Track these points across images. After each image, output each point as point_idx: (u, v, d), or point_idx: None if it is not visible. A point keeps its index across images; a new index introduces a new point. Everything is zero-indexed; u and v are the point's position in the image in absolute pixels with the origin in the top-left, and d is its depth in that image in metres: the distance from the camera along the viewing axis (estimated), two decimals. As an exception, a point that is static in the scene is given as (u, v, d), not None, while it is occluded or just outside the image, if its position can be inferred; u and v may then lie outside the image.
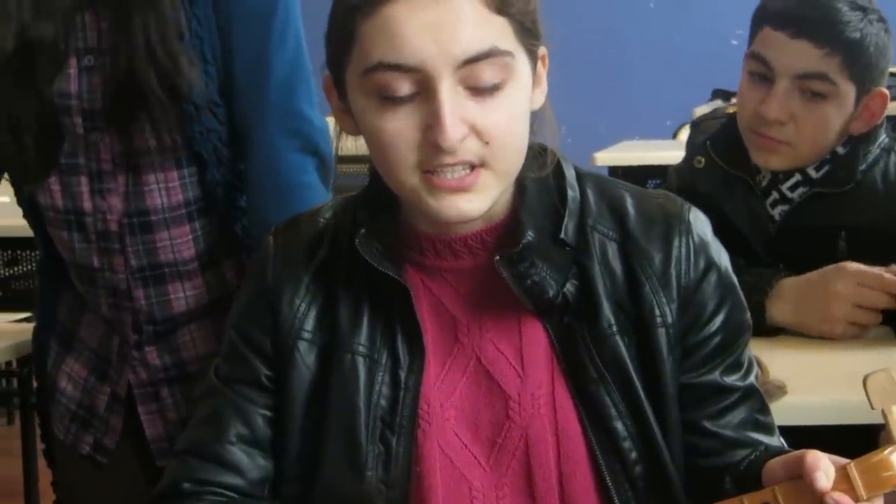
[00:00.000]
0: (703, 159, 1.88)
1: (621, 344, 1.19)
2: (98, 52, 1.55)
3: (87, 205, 1.60)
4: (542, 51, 1.18)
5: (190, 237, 1.61)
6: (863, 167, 1.80)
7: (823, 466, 1.01)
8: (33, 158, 1.59)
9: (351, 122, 1.18)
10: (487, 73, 1.11)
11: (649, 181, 3.33)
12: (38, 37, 1.54)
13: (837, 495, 1.01)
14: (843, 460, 1.04)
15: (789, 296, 1.72)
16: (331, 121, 1.29)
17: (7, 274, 3.20)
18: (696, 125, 2.09)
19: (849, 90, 1.75)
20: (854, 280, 1.68)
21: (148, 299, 1.62)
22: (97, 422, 1.70)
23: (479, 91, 1.11)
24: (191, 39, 1.54)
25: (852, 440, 1.18)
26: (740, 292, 1.24)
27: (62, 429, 1.73)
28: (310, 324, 1.23)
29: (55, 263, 1.71)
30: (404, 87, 1.10)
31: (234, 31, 1.56)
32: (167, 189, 1.59)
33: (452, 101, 1.09)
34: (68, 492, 1.81)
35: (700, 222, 1.23)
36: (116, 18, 1.53)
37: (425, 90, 1.10)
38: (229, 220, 1.63)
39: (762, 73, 1.78)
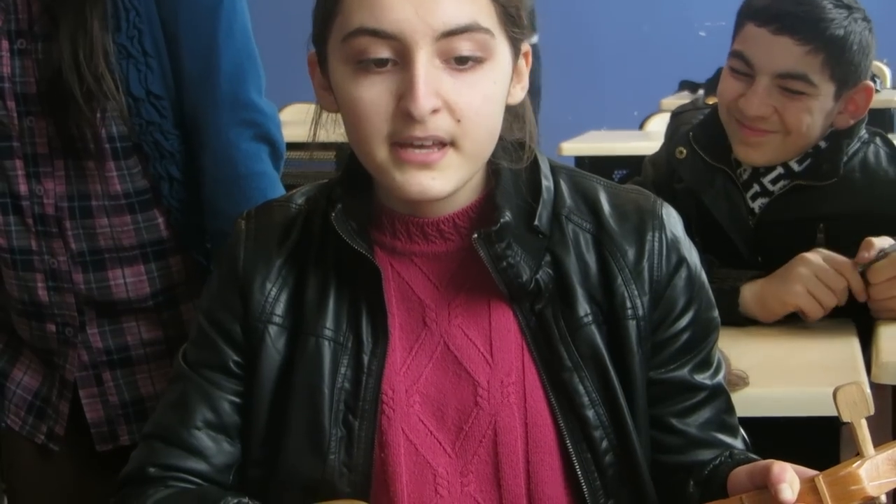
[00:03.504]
0: (684, 150, 1.88)
1: (595, 333, 1.20)
2: (30, 35, 1.54)
3: (22, 188, 1.59)
4: (526, 47, 1.19)
5: (131, 227, 1.61)
6: (844, 160, 1.81)
7: (789, 479, 1.02)
8: None
9: (331, 98, 1.18)
10: (465, 48, 1.11)
11: (616, 171, 3.30)
12: None
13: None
14: (809, 472, 1.05)
15: (762, 284, 1.73)
16: (301, 108, 1.30)
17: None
18: (677, 115, 2.08)
19: (829, 89, 1.76)
20: (824, 255, 1.71)
21: (87, 283, 1.62)
22: (51, 410, 1.69)
23: (456, 66, 1.11)
24: (128, 31, 1.53)
25: (812, 432, 1.21)
26: (710, 291, 1.25)
27: (17, 420, 1.72)
28: (280, 308, 1.23)
29: None
30: (382, 53, 1.10)
31: (179, 22, 1.55)
32: (105, 178, 1.58)
33: (428, 72, 1.10)
34: (17, 479, 1.81)
35: (672, 218, 1.24)
36: (47, 5, 1.52)
37: (402, 59, 1.10)
38: (179, 216, 1.62)
39: (742, 70, 1.79)
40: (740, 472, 1.08)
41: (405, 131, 1.11)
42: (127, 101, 1.54)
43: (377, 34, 1.10)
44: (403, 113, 1.10)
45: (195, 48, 1.56)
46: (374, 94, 1.11)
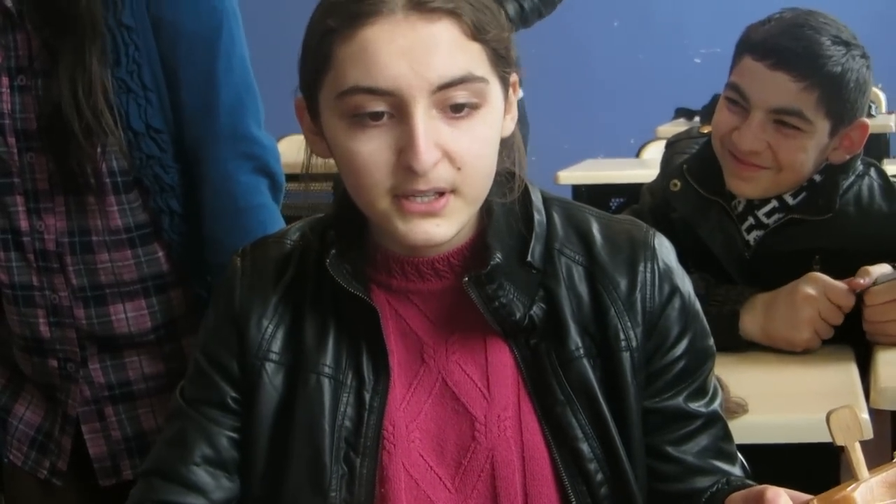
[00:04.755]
0: (678, 182, 1.88)
1: (588, 366, 1.19)
2: (31, 72, 1.55)
3: (23, 224, 1.59)
4: (514, 78, 1.19)
5: (132, 262, 1.60)
6: (839, 194, 1.81)
7: (783, 503, 1.02)
8: None
9: (322, 145, 1.18)
10: (461, 98, 1.11)
11: (613, 199, 3.33)
12: None
13: None
14: (804, 496, 1.05)
15: (760, 306, 1.73)
16: (298, 140, 1.29)
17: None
18: (672, 144, 2.08)
19: (824, 126, 1.76)
20: (822, 287, 1.70)
21: (89, 319, 1.62)
22: (53, 445, 1.69)
23: (452, 115, 1.12)
24: (128, 66, 1.53)
25: (812, 458, 1.20)
26: (704, 319, 1.25)
27: (19, 455, 1.72)
28: (277, 345, 1.23)
29: None
30: (378, 107, 1.10)
31: (178, 56, 1.56)
32: (105, 212, 1.58)
33: (426, 125, 1.10)
34: None
35: (665, 249, 1.24)
36: (47, 42, 1.52)
37: (399, 112, 1.10)
38: (179, 249, 1.62)
39: (739, 103, 1.78)
40: (736, 499, 1.08)
41: (407, 185, 1.11)
42: (127, 136, 1.54)
43: (373, 91, 1.10)
44: (405, 167, 1.10)
45: (194, 82, 1.56)
46: (372, 147, 1.11)
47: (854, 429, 1.05)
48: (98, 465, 1.66)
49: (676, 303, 1.22)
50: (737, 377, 1.43)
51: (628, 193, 3.10)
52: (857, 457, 1.05)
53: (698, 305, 1.25)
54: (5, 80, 1.56)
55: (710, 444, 1.23)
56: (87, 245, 1.59)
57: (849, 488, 1.04)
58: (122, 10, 1.52)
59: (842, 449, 1.08)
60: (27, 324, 1.64)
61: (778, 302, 1.72)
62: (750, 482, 1.19)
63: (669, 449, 1.22)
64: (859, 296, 1.71)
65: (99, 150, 1.53)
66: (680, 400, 1.22)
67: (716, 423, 1.24)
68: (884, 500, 1.05)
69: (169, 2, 1.53)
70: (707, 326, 1.25)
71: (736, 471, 1.23)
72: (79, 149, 1.52)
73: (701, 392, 1.24)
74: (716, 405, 1.25)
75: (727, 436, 1.25)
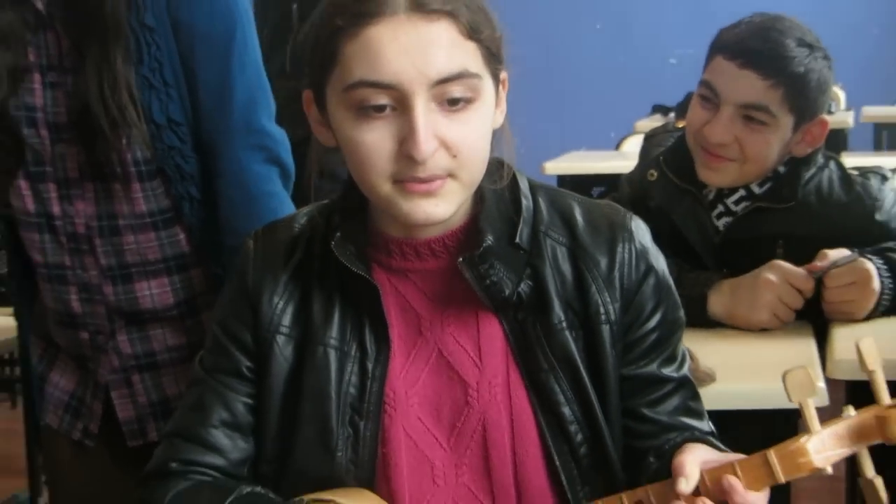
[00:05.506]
0: (655, 172, 1.88)
1: (570, 338, 1.20)
2: (60, 69, 1.54)
3: (55, 209, 1.59)
4: (504, 75, 1.19)
5: (155, 243, 1.60)
6: (801, 185, 1.81)
7: (687, 472, 1.05)
8: None
9: (329, 134, 1.18)
10: (457, 92, 1.11)
11: (594, 188, 3.32)
12: (6, 62, 1.52)
13: (730, 480, 1.05)
14: (733, 457, 1.08)
15: (726, 289, 1.73)
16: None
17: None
18: (650, 138, 2.08)
19: (787, 121, 1.76)
20: (783, 274, 1.70)
21: (117, 295, 1.61)
22: (85, 410, 1.69)
23: (449, 108, 1.12)
24: (150, 63, 1.52)
25: (774, 423, 1.20)
26: (675, 293, 1.26)
27: (55, 418, 1.71)
28: (287, 319, 1.23)
29: (23, 270, 1.69)
30: (381, 100, 1.10)
31: (195, 56, 1.54)
32: (131, 198, 1.57)
33: (426, 117, 1.10)
34: (56, 472, 1.81)
35: (641, 230, 1.24)
36: (75, 42, 1.52)
37: (401, 105, 1.10)
38: (199, 233, 1.61)
39: (710, 99, 1.78)
40: (680, 457, 1.09)
41: (408, 171, 1.11)
42: (149, 128, 1.53)
43: (377, 85, 1.10)
44: (406, 155, 1.10)
45: (210, 80, 1.55)
46: (375, 137, 1.11)
47: (807, 387, 1.07)
48: (126, 428, 1.65)
49: (651, 280, 1.22)
50: (705, 350, 1.43)
51: (608, 183, 3.10)
52: (810, 412, 1.07)
53: (671, 280, 1.25)
54: (37, 77, 1.55)
55: (680, 405, 1.23)
56: (115, 228, 1.59)
57: (802, 439, 1.06)
58: (144, 12, 1.51)
59: (799, 415, 1.10)
60: (60, 300, 1.64)
61: (742, 286, 1.73)
62: (712, 439, 1.20)
63: (645, 410, 1.22)
64: (819, 278, 1.71)
65: (124, 141, 1.52)
66: (654, 367, 1.23)
67: (685, 385, 1.25)
68: (833, 449, 1.07)
69: (187, 5, 1.53)
70: (678, 299, 1.26)
71: (704, 426, 1.24)
72: (106, 140, 1.52)
73: (672, 359, 1.24)
74: (685, 370, 1.26)
75: (695, 396, 1.26)
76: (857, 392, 1.11)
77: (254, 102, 1.57)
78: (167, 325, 1.64)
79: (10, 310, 1.83)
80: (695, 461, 1.08)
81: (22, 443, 3.12)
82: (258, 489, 1.20)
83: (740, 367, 1.50)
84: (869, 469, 1.07)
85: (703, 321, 1.71)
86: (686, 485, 1.05)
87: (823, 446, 1.07)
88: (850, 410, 1.08)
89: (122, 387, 1.65)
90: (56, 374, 1.72)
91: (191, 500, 1.20)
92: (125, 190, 1.57)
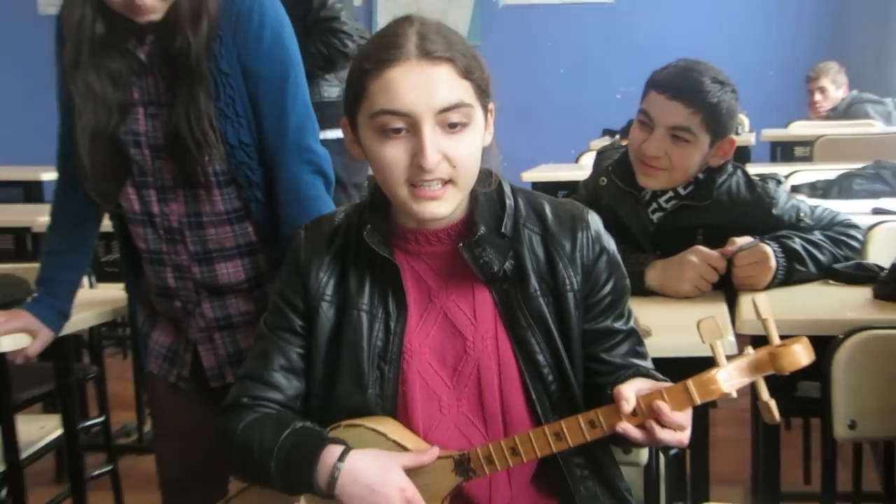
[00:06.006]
0: (605, 179, 1.86)
1: (543, 303, 1.19)
2: (158, 104, 1.53)
3: (155, 209, 1.58)
4: (491, 106, 1.18)
5: (231, 234, 1.59)
6: (716, 188, 1.80)
7: (626, 397, 1.06)
8: (109, 177, 1.56)
9: (359, 150, 1.18)
10: (455, 118, 1.11)
11: (559, 191, 3.30)
12: (117, 99, 1.51)
13: (659, 405, 1.06)
14: (662, 385, 1.08)
15: (659, 267, 1.72)
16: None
17: (105, 259, 3.23)
18: (601, 153, 2.07)
19: (705, 139, 1.74)
20: (702, 256, 1.70)
21: (202, 274, 1.60)
22: (178, 360, 1.68)
23: (449, 130, 1.11)
24: (225, 99, 1.51)
25: (695, 367, 1.19)
26: (623, 267, 1.25)
27: (157, 366, 1.71)
28: (329, 290, 1.22)
29: (131, 254, 1.68)
30: (398, 124, 1.10)
31: (259, 93, 1.52)
32: (212, 201, 1.56)
33: (432, 137, 1.10)
34: (156, 406, 1.80)
35: (595, 220, 1.23)
36: (169, 84, 1.51)
37: (413, 128, 1.10)
38: (263, 226, 1.60)
39: (646, 123, 1.77)
40: (621, 387, 1.10)
41: (418, 177, 1.11)
42: (225, 148, 1.52)
43: (394, 113, 1.09)
44: (417, 166, 1.10)
45: (270, 112, 1.54)
46: (394, 152, 1.11)
47: (715, 332, 1.07)
48: (210, 373, 1.65)
49: (604, 258, 1.22)
50: (644, 312, 1.43)
51: (570, 187, 3.10)
52: (718, 351, 1.07)
53: (619, 258, 1.24)
54: (141, 110, 1.54)
55: (629, 350, 1.23)
56: (200, 223, 1.58)
57: (713, 371, 1.07)
58: (221, 60, 1.50)
59: (713, 361, 1.09)
60: (159, 277, 1.64)
61: (671, 265, 1.71)
62: (655, 372, 1.21)
63: (603, 355, 1.22)
64: (729, 259, 1.70)
65: (206, 158, 1.52)
66: (608, 322, 1.22)
67: (632, 335, 1.25)
68: (737, 378, 1.07)
69: (252, 55, 1.51)
70: (625, 271, 1.25)
71: (648, 364, 1.24)
72: (192, 157, 1.51)
73: (622, 316, 1.24)
74: (632, 323, 1.25)
75: (640, 342, 1.26)
76: (757, 343, 1.11)
77: (303, 128, 1.56)
78: (240, 296, 1.64)
79: (121, 285, 1.82)
80: (632, 389, 1.08)
81: (131, 385, 3.14)
82: (308, 424, 1.19)
83: (670, 326, 1.50)
84: (764, 393, 1.07)
85: (642, 291, 1.69)
86: (627, 406, 1.06)
87: (729, 376, 1.07)
88: (750, 349, 1.09)
89: (206, 342, 1.65)
90: (156, 332, 1.72)
91: (257, 429, 1.19)
92: (208, 194, 1.56)
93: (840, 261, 1.75)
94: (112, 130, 1.53)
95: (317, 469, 1.12)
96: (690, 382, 1.06)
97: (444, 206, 1.14)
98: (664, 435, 1.07)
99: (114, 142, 1.54)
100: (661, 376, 1.18)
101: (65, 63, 1.51)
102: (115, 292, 1.95)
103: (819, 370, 1.44)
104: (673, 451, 1.56)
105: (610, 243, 1.24)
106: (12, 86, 5.83)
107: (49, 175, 3.71)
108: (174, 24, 1.46)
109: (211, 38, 1.48)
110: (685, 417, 1.08)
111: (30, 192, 4.08)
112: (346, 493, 1.11)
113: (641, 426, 1.07)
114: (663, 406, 1.06)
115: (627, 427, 1.08)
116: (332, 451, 1.13)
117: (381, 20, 5.40)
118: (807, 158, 4.03)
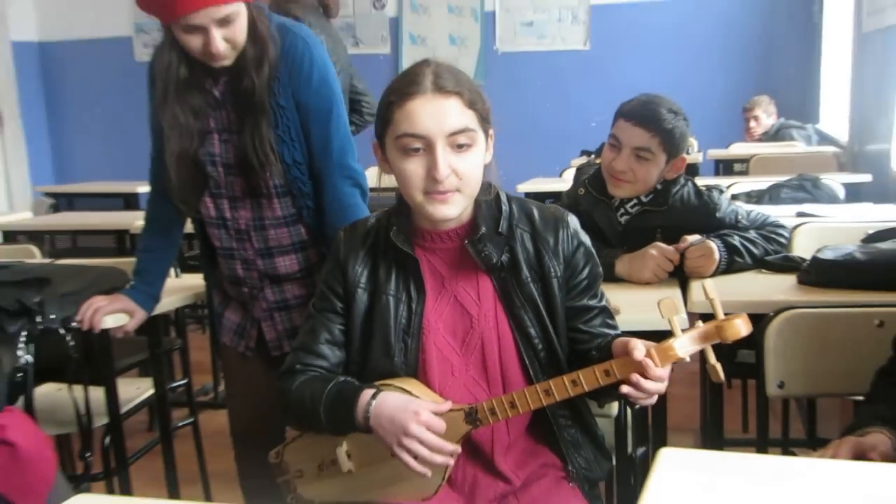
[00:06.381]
0: (583, 189, 1.85)
1: (533, 288, 1.19)
2: (229, 131, 1.53)
3: (227, 215, 1.58)
4: (491, 131, 1.18)
5: (287, 234, 1.59)
6: (671, 196, 1.79)
7: (640, 346, 1.03)
8: (191, 190, 1.57)
9: (387, 167, 1.17)
10: (462, 140, 1.11)
11: (546, 199, 3.30)
12: (197, 128, 1.52)
13: (646, 360, 1.03)
14: (650, 344, 1.06)
15: (626, 260, 1.71)
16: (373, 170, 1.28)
17: (187, 255, 3.24)
18: (579, 169, 2.06)
19: (662, 157, 1.74)
20: (660, 251, 1.69)
21: (264, 266, 1.60)
22: (246, 334, 1.69)
23: (457, 150, 1.11)
24: (282, 127, 1.50)
25: (655, 337, 1.19)
26: (596, 257, 1.24)
27: (229, 339, 1.71)
28: (363, 279, 1.22)
29: (208, 250, 1.69)
30: (417, 145, 1.10)
31: (309, 122, 1.52)
32: (272, 208, 1.56)
33: (443, 155, 1.09)
34: (228, 370, 1.80)
35: (574, 220, 1.23)
36: (238, 115, 1.51)
37: (428, 148, 1.10)
38: (312, 228, 1.60)
39: (615, 145, 1.77)
40: (617, 343, 1.09)
41: (433, 188, 1.11)
42: (283, 167, 1.52)
43: (414, 136, 1.09)
44: (431, 178, 1.10)
45: (318, 137, 1.54)
46: (413, 167, 1.11)
47: (672, 309, 1.06)
48: (271, 344, 1.66)
49: (581, 249, 1.21)
50: (614, 295, 1.42)
51: (554, 196, 3.09)
52: (675, 324, 1.07)
53: (593, 250, 1.24)
54: (216, 136, 1.55)
55: (602, 322, 1.22)
56: (263, 226, 1.59)
57: (671, 340, 1.06)
58: (279, 96, 1.50)
59: (670, 333, 1.09)
60: (230, 269, 1.65)
61: (635, 258, 1.71)
62: (625, 338, 1.18)
63: (581, 326, 1.21)
64: (682, 253, 1.70)
65: (268, 174, 1.52)
66: (585, 300, 1.22)
67: (605, 310, 1.24)
68: (690, 346, 1.07)
69: (304, 91, 1.51)
70: (598, 261, 1.25)
71: (618, 332, 1.23)
72: (257, 174, 1.52)
73: (596, 295, 1.23)
74: (604, 302, 1.25)
75: (611, 317, 1.25)
76: (705, 319, 1.10)
77: (344, 150, 1.56)
78: (294, 283, 1.64)
79: (200, 275, 1.83)
80: (638, 343, 1.05)
81: (208, 354, 3.16)
82: (348, 379, 1.20)
83: (635, 305, 1.49)
84: (711, 358, 1.07)
85: (612, 278, 1.68)
86: (640, 352, 1.03)
87: (683, 345, 1.06)
88: (700, 323, 1.08)
89: (268, 320, 1.65)
90: (228, 312, 1.72)
91: (308, 386, 1.20)
92: (269, 203, 1.56)
93: (770, 254, 1.74)
94: (193, 153, 1.54)
95: (356, 408, 1.13)
96: (653, 348, 1.06)
97: (452, 208, 1.14)
98: (649, 385, 1.04)
99: (194, 162, 1.55)
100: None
101: (156, 99, 1.52)
102: (195, 280, 1.95)
103: (754, 340, 1.43)
104: (637, 406, 1.56)
105: (585, 239, 1.23)
106: (114, 118, 5.86)
107: (143, 188, 3.74)
108: (242, 68, 1.47)
109: (271, 79, 1.49)
110: (666, 372, 1.06)
111: (128, 201, 4.12)
112: (378, 423, 1.12)
113: (627, 381, 1.05)
114: (649, 362, 1.03)
115: (639, 379, 1.03)
116: (366, 394, 1.13)
117: (405, 64, 5.40)
118: (744, 173, 4.01)
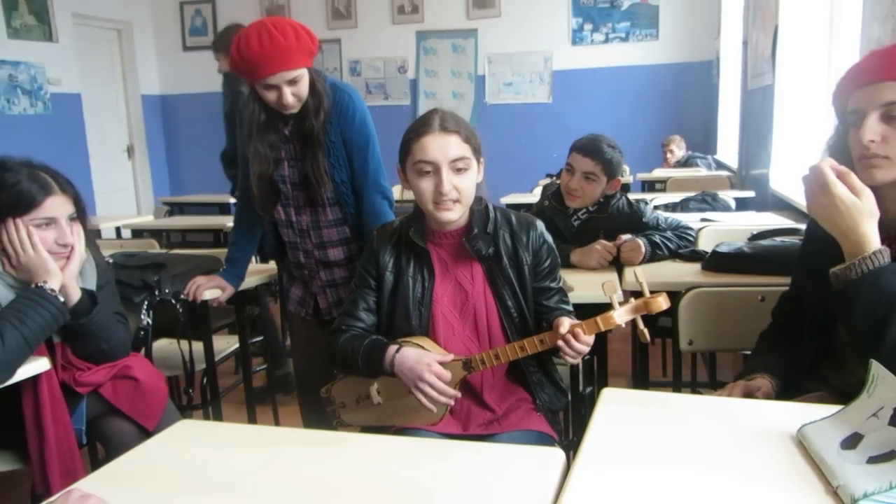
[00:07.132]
0: (547, 202, 1.84)
1: (511, 272, 1.18)
2: (295, 159, 1.52)
3: (293, 218, 1.57)
4: (482, 159, 1.17)
5: (336, 232, 1.58)
6: (611, 206, 1.77)
7: (565, 323, 1.04)
8: (268, 201, 1.56)
9: (407, 184, 1.16)
10: (461, 165, 1.10)
11: (521, 209, 3.28)
12: (272, 157, 1.51)
13: (567, 335, 1.04)
14: (577, 321, 1.06)
15: (578, 252, 1.69)
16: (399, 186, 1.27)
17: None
18: (545, 188, 2.06)
19: (604, 179, 1.73)
20: (602, 246, 1.67)
21: (320, 256, 1.59)
22: (306, 304, 1.68)
23: (457, 172, 1.10)
24: (333, 156, 1.50)
25: (597, 310, 1.18)
26: (556, 251, 1.23)
27: (294, 307, 1.70)
28: (390, 265, 1.21)
29: (279, 244, 1.67)
30: (428, 168, 1.09)
31: (353, 153, 1.52)
32: (326, 213, 1.55)
33: (447, 176, 1.09)
34: (293, 330, 1.79)
35: (541, 224, 1.22)
36: (302, 147, 1.50)
37: (436, 171, 1.09)
38: (354, 228, 1.59)
39: (570, 170, 1.75)
40: (555, 321, 1.09)
41: (440, 199, 1.11)
42: (333, 185, 1.52)
43: (426, 162, 1.09)
44: (438, 192, 1.09)
45: (359, 163, 1.53)
46: (426, 185, 1.10)
47: (612, 288, 1.05)
48: (324, 311, 1.65)
49: (546, 245, 1.20)
50: (569, 278, 1.41)
51: (527, 207, 3.06)
52: (614, 299, 1.06)
53: (554, 245, 1.22)
54: (286, 163, 1.53)
55: (559, 300, 1.21)
56: (318, 226, 1.58)
57: (611, 311, 1.05)
58: (331, 134, 1.49)
59: (610, 301, 1.08)
60: (295, 257, 1.64)
61: (585, 251, 1.69)
62: (573, 315, 1.18)
63: (544, 301, 1.20)
64: (618, 247, 1.68)
65: (323, 190, 1.51)
66: (547, 282, 1.20)
67: (560, 291, 1.22)
68: (626, 316, 1.05)
69: (349, 129, 1.50)
70: (558, 253, 1.23)
71: (569, 307, 1.22)
72: (315, 190, 1.51)
73: (555, 279, 1.22)
74: (560, 283, 1.23)
75: (566, 296, 1.24)
76: (636, 296, 1.09)
77: (378, 172, 1.55)
78: (341, 267, 1.62)
79: (273, 262, 1.82)
80: (566, 321, 1.06)
81: (279, 318, 3.13)
82: (380, 337, 1.19)
83: (584, 285, 1.48)
84: (640, 324, 1.06)
85: (568, 266, 1.67)
86: (564, 328, 1.04)
87: (620, 315, 1.05)
88: (632, 299, 1.07)
89: (322, 294, 1.64)
90: (294, 287, 1.71)
91: (350, 341, 1.19)
92: (323, 210, 1.56)
93: (682, 248, 1.73)
94: (269, 175, 1.53)
95: (384, 359, 1.13)
96: (598, 318, 1.05)
97: (454, 214, 1.14)
98: (579, 347, 1.06)
99: (270, 181, 1.54)
100: (574, 317, 1.16)
101: (244, 136, 1.52)
102: (270, 265, 1.95)
103: (671, 310, 1.41)
104: (586, 357, 1.55)
105: (549, 237, 1.22)
106: (213, 149, 5.85)
107: (232, 199, 3.72)
108: (305, 114, 1.47)
109: (326, 122, 1.48)
110: (591, 340, 1.07)
111: (222, 208, 4.12)
112: (400, 370, 1.12)
113: (565, 342, 1.06)
114: (580, 331, 1.05)
115: (562, 343, 1.06)
116: (392, 348, 1.14)
117: (420, 112, 5.39)
118: (662, 190, 3.98)
